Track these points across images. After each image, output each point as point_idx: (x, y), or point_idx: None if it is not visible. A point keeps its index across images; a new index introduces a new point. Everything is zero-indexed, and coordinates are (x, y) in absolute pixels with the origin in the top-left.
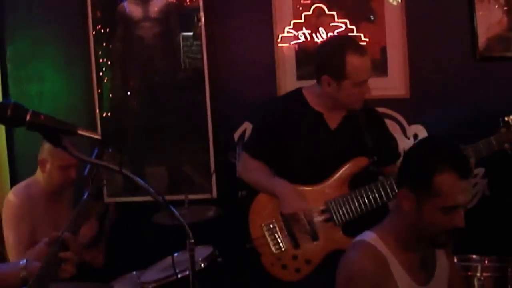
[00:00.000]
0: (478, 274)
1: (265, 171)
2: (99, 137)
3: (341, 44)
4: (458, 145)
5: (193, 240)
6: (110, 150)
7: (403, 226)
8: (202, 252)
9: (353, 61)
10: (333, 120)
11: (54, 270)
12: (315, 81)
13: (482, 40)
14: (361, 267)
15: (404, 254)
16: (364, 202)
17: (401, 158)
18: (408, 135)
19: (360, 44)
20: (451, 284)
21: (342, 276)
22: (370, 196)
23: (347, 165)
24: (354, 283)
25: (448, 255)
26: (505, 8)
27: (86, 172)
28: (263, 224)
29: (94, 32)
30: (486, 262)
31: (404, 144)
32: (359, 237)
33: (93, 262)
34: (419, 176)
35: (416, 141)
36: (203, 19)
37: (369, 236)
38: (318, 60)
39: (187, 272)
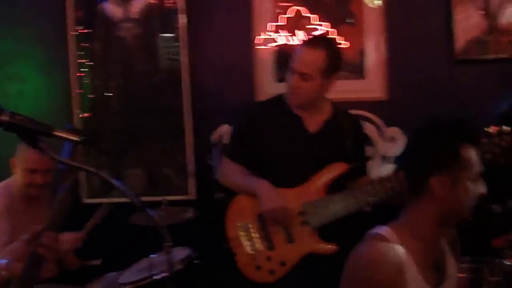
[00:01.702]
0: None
1: (245, 172)
2: (76, 139)
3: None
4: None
5: (170, 243)
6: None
7: (428, 220)
8: (180, 253)
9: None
10: (312, 124)
11: (37, 270)
12: None
13: (459, 43)
14: (370, 258)
15: (420, 253)
16: (342, 207)
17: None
18: (385, 138)
19: (311, 38)
20: None
21: (351, 265)
22: (348, 201)
23: (327, 170)
24: (361, 274)
25: (456, 259)
26: (483, 11)
27: (62, 167)
28: (239, 225)
29: (74, 33)
30: (461, 263)
31: (382, 146)
32: (371, 230)
33: (69, 263)
34: (447, 155)
35: (415, 133)
36: (183, 21)
37: (383, 230)
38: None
39: (165, 274)
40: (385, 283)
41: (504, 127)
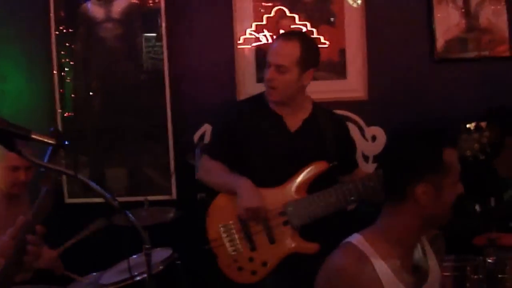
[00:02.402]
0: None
1: (225, 170)
2: (53, 142)
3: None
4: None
5: (149, 245)
6: (64, 150)
7: (408, 224)
8: (161, 254)
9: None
10: (293, 123)
11: (18, 266)
12: None
13: (440, 42)
14: (341, 266)
15: (396, 258)
16: (322, 206)
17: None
18: (366, 137)
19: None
20: None
21: (322, 277)
22: (329, 201)
23: (307, 169)
24: (333, 284)
25: (440, 258)
26: (463, 10)
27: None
28: (220, 226)
29: (56, 32)
30: (444, 261)
31: (363, 145)
32: (344, 240)
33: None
34: (431, 162)
35: (397, 138)
36: (164, 21)
37: (354, 239)
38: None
39: (145, 275)
40: (348, 279)
41: (482, 123)
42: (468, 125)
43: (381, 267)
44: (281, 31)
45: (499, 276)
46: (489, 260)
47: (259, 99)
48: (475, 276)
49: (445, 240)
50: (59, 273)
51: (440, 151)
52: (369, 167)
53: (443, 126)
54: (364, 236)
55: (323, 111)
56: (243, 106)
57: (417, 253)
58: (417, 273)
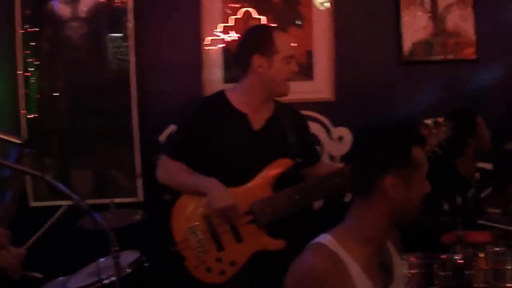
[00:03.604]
0: (406, 271)
1: (188, 170)
2: (19, 141)
3: (266, 25)
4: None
5: (117, 248)
6: (29, 151)
7: (376, 220)
8: (129, 257)
9: (280, 36)
10: (257, 121)
11: None
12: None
13: (407, 44)
14: (312, 266)
15: (365, 256)
16: (288, 203)
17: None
18: (333, 138)
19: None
20: None
21: (291, 278)
22: (294, 198)
23: (271, 167)
24: (304, 285)
25: (400, 258)
26: (430, 14)
27: (7, 173)
28: (186, 227)
29: (22, 31)
30: (412, 259)
31: (329, 146)
32: (313, 240)
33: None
34: (399, 157)
35: (364, 134)
36: (131, 21)
37: (324, 238)
38: (245, 43)
39: (114, 278)
40: (320, 278)
41: (439, 119)
42: (426, 121)
43: (352, 266)
44: None
45: (467, 272)
46: (457, 257)
47: (220, 98)
48: (443, 273)
49: (408, 241)
50: (16, 276)
51: (409, 146)
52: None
53: (412, 125)
54: (333, 235)
55: (284, 108)
56: (204, 105)
57: (384, 253)
58: (385, 271)
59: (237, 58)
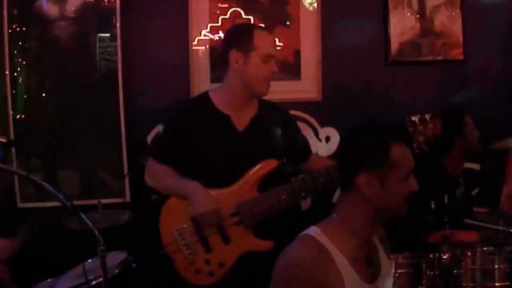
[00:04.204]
0: (393, 271)
1: (174, 174)
2: (4, 140)
3: (249, 24)
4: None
5: (104, 247)
6: (14, 151)
7: (359, 215)
8: (116, 257)
9: (260, 33)
10: (240, 122)
11: None
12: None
13: (394, 45)
14: (299, 258)
15: (351, 249)
16: (274, 203)
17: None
18: (320, 137)
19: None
20: None
21: (279, 268)
22: (280, 198)
23: (256, 167)
24: (292, 273)
25: (387, 257)
26: (418, 15)
27: None
28: (174, 230)
29: (9, 31)
30: (400, 259)
31: (317, 146)
32: (302, 233)
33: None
34: (375, 155)
35: (350, 131)
36: (119, 21)
37: (311, 230)
38: (225, 38)
39: (101, 279)
40: (317, 281)
41: (426, 116)
42: (413, 118)
43: (339, 258)
44: None
45: (455, 271)
46: (444, 257)
47: (204, 100)
48: (431, 273)
49: (396, 239)
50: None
51: (387, 145)
52: None
53: (395, 122)
54: (320, 228)
55: (268, 107)
56: (189, 107)
57: (370, 248)
58: (371, 265)
59: (220, 56)
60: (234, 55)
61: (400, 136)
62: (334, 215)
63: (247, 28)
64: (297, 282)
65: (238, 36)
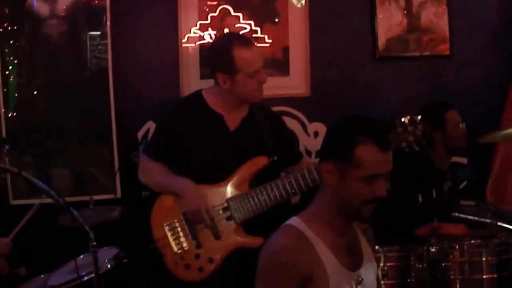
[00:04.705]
0: (382, 265)
1: (166, 171)
2: None
3: (226, 41)
4: (379, 120)
5: (95, 243)
6: (7, 148)
7: (328, 204)
8: (108, 253)
9: (240, 54)
10: (232, 122)
11: None
12: None
13: (382, 41)
14: (282, 246)
15: (331, 237)
16: (264, 200)
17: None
18: (309, 133)
19: (246, 38)
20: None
21: (263, 257)
22: (270, 194)
23: (247, 165)
24: (275, 261)
25: (372, 249)
26: (405, 11)
27: None
28: (165, 225)
29: (0, 29)
30: (388, 252)
31: (305, 141)
32: (284, 223)
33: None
34: (340, 148)
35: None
36: (109, 19)
37: (292, 220)
38: (209, 61)
39: (93, 274)
40: (300, 268)
41: (416, 116)
42: (403, 119)
43: (320, 246)
44: (226, 30)
45: (443, 264)
46: (432, 249)
47: (197, 99)
48: (419, 265)
49: (379, 233)
50: (5, 275)
51: (353, 142)
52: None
53: (373, 122)
54: (301, 217)
55: (259, 109)
56: (182, 106)
57: (351, 238)
58: (352, 254)
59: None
60: (220, 77)
61: (375, 139)
62: (312, 204)
63: (226, 51)
64: (280, 269)
65: (219, 61)
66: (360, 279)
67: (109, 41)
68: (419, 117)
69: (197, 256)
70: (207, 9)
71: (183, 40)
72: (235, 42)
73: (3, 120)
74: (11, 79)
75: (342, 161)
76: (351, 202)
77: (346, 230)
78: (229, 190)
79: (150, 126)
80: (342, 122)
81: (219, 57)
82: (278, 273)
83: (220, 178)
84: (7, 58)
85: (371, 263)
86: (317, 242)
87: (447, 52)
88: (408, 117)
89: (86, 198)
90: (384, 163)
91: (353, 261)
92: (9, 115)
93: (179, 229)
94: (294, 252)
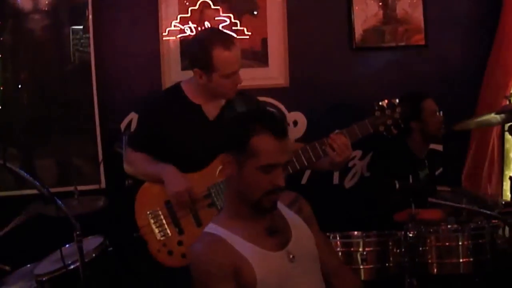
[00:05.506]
0: (361, 249)
1: (149, 160)
2: None
3: (207, 39)
4: (273, 111)
5: (80, 232)
6: None
7: (232, 197)
8: (93, 242)
9: (219, 55)
10: (211, 111)
11: None
12: None
13: (358, 32)
14: (199, 254)
15: (245, 227)
16: None
17: None
18: (288, 122)
19: (228, 37)
20: (322, 254)
21: (191, 268)
22: None
23: None
24: (200, 270)
25: (310, 225)
26: (380, 3)
27: None
28: (148, 212)
29: None
30: (367, 237)
31: None
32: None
33: None
34: (236, 139)
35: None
36: (91, 13)
37: (207, 227)
38: (189, 54)
39: (78, 263)
40: (225, 268)
41: (394, 100)
42: (381, 103)
43: (235, 240)
44: (206, 23)
45: (420, 249)
46: (410, 234)
47: (176, 90)
48: (397, 250)
49: (358, 219)
50: None
51: (249, 133)
52: None
53: (269, 113)
54: (214, 222)
55: (237, 95)
56: (162, 98)
57: (271, 220)
58: (275, 233)
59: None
60: (197, 73)
61: (270, 128)
62: (224, 202)
63: (205, 50)
64: (207, 276)
65: (198, 57)
66: (291, 256)
67: (91, 35)
68: (397, 100)
69: (180, 243)
70: (187, 3)
71: (164, 34)
72: (215, 41)
73: None
74: None
75: (239, 152)
76: (250, 192)
77: (258, 215)
78: (210, 177)
79: (133, 117)
80: (239, 115)
81: (198, 53)
82: (207, 280)
83: (201, 166)
84: None
85: (304, 235)
86: (232, 238)
87: (422, 42)
88: (386, 100)
89: (71, 188)
90: (280, 152)
91: (277, 241)
92: None
93: (161, 216)
94: (213, 257)
